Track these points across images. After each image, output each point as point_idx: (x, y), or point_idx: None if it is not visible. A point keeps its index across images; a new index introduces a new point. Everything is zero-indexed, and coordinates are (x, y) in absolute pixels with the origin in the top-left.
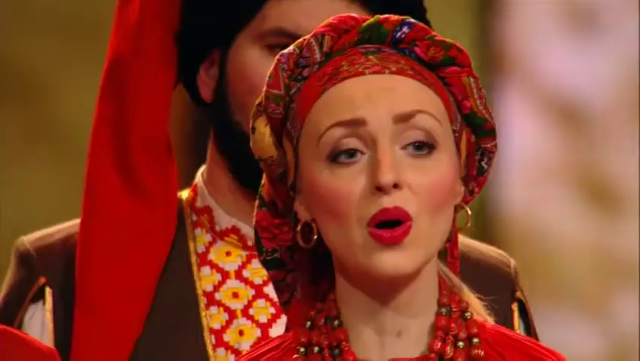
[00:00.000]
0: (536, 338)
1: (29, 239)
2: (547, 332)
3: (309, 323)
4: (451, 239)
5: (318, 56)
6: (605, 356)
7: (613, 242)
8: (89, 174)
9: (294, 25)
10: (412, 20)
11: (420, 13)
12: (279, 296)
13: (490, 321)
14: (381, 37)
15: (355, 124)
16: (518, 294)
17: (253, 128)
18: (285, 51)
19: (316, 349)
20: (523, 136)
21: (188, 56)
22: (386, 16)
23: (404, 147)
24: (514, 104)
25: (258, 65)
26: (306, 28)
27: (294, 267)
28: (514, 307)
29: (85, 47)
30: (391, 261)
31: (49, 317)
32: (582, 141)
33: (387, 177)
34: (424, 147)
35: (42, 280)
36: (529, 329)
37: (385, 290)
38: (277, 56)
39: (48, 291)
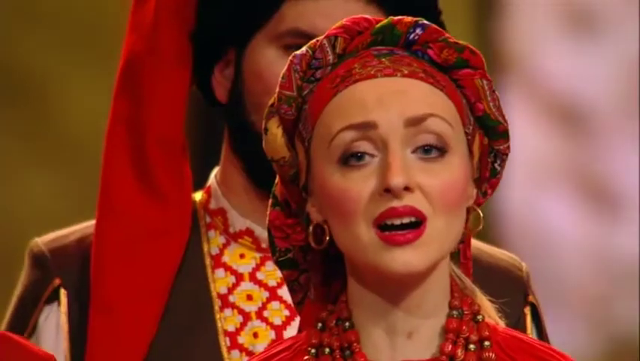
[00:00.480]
0: (547, 341)
1: (43, 240)
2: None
3: (320, 325)
4: (464, 240)
5: (330, 57)
6: (604, 356)
7: (613, 242)
8: (104, 173)
9: (311, 26)
10: (426, 22)
11: (435, 15)
12: (292, 296)
13: (501, 324)
14: (395, 39)
15: (366, 127)
16: (531, 298)
17: (266, 129)
18: (298, 52)
19: (327, 350)
20: (522, 136)
21: (204, 55)
22: (399, 17)
23: (415, 151)
24: (514, 105)
25: (274, 66)
26: (323, 29)
27: (307, 267)
28: (527, 310)
29: (85, 50)
30: (402, 259)
31: (64, 318)
32: (582, 142)
33: (397, 180)
34: (435, 150)
35: (57, 281)
36: (542, 332)
37: (396, 290)
38: (290, 57)
39: (63, 292)
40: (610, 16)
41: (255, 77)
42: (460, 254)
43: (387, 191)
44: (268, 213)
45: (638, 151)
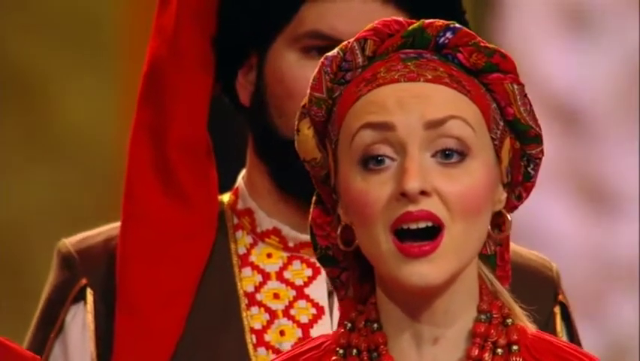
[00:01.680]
0: (578, 340)
1: (71, 241)
2: None
3: (349, 325)
4: (502, 243)
5: (360, 60)
6: (603, 356)
7: (611, 243)
8: (128, 178)
9: (330, 28)
10: (457, 26)
11: (458, 14)
12: (336, 292)
13: (530, 328)
14: (425, 43)
15: (384, 128)
16: (561, 297)
17: (297, 130)
18: (330, 54)
19: (355, 351)
20: None
21: (226, 60)
22: (431, 21)
23: (434, 155)
24: None
25: (294, 68)
26: (342, 30)
27: (346, 265)
28: (557, 310)
29: (85, 53)
30: (419, 272)
31: (90, 318)
32: (581, 141)
33: (412, 184)
34: (456, 154)
35: (83, 281)
36: (572, 332)
37: (420, 299)
38: (322, 59)
39: (89, 292)
40: (609, 16)
41: (277, 81)
42: (496, 257)
43: (404, 195)
44: (311, 210)
45: (638, 151)
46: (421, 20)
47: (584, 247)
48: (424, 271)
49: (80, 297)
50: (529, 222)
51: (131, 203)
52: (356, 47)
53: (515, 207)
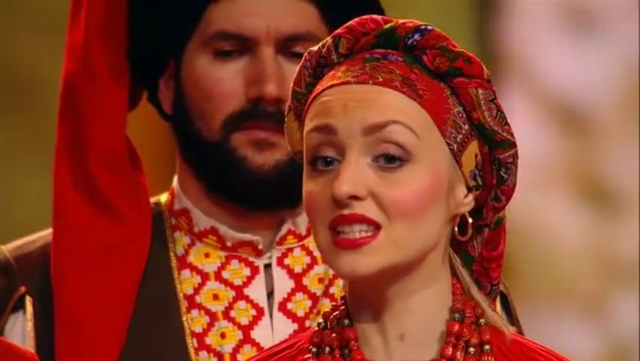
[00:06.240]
0: (520, 331)
1: (8, 248)
2: (545, 333)
3: (323, 324)
4: (489, 244)
5: (334, 57)
6: (603, 356)
7: (612, 243)
8: (55, 195)
9: (236, 26)
10: (428, 27)
11: (372, 7)
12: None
13: (508, 330)
14: (395, 43)
15: (327, 131)
16: (500, 287)
17: (285, 122)
18: (312, 49)
19: (327, 349)
20: (522, 137)
21: (143, 71)
22: (403, 21)
23: (375, 159)
24: (513, 105)
25: (208, 70)
26: (248, 26)
27: None
28: (496, 301)
29: None
30: (348, 261)
31: (30, 326)
32: (581, 142)
33: (340, 190)
34: (395, 160)
35: (22, 289)
36: (512, 321)
37: (379, 292)
38: (305, 54)
39: (28, 300)
40: (610, 16)
41: (193, 85)
42: (479, 255)
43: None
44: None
45: (638, 151)
46: (395, 20)
47: (585, 246)
48: (355, 262)
49: (20, 305)
50: (530, 222)
51: (59, 219)
52: (331, 44)
53: (497, 210)
